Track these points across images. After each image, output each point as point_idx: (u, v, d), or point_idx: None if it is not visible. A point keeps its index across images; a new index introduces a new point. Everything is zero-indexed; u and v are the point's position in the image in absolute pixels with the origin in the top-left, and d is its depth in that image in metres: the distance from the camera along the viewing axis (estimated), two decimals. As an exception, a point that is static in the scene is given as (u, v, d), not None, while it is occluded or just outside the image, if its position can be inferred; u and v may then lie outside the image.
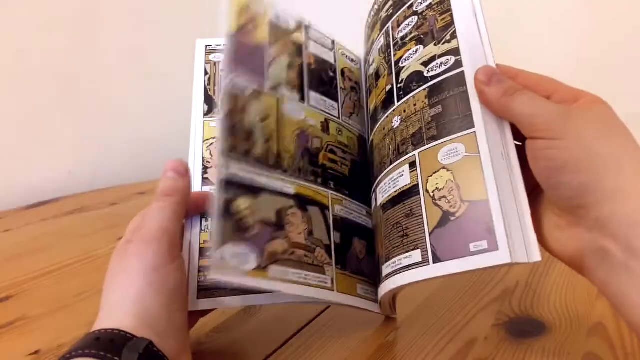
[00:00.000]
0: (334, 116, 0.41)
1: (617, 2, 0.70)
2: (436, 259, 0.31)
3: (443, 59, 0.35)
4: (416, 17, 0.38)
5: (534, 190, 0.31)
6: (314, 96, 0.40)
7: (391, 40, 0.40)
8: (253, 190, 0.32)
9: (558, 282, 0.47)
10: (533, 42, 0.73)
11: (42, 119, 0.82)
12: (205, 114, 0.42)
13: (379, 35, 0.43)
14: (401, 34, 0.39)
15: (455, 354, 0.37)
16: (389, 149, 0.38)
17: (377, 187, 0.39)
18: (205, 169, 0.40)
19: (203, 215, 0.38)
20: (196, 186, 0.39)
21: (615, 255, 0.26)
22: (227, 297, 0.35)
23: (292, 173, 0.36)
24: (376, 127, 0.41)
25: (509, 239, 0.28)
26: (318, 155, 0.39)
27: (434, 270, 0.31)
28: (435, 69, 0.35)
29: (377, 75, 0.41)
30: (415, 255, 0.33)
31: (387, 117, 0.39)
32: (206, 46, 0.46)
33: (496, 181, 0.30)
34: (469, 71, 0.33)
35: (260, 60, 0.37)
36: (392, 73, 0.39)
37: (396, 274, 0.34)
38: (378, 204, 0.38)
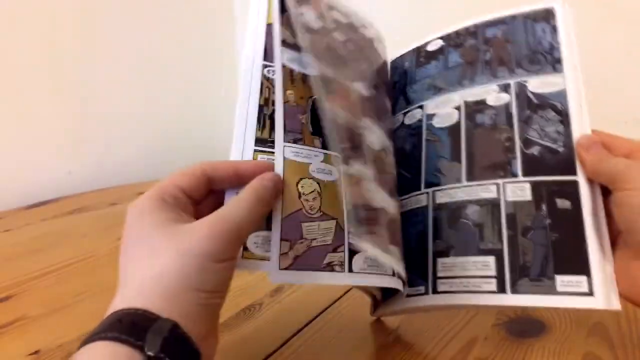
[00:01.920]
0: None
1: (618, 3, 0.70)
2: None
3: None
4: None
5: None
6: None
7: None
8: None
9: (558, 282, 0.47)
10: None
11: (42, 118, 0.82)
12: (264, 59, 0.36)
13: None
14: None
15: (455, 354, 0.37)
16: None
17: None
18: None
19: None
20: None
21: None
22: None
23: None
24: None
25: (603, 285, 0.32)
26: None
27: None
28: None
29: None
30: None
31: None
32: None
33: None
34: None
35: None
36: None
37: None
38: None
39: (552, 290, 0.32)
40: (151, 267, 0.27)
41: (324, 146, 0.35)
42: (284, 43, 0.36)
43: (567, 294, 0.32)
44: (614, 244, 0.34)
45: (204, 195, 0.32)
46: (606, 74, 0.70)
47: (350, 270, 0.33)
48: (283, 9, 0.38)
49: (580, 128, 0.36)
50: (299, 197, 0.33)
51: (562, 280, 0.33)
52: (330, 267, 0.32)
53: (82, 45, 0.85)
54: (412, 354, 0.38)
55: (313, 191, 0.33)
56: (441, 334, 0.40)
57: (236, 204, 0.30)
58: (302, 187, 0.33)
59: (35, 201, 0.78)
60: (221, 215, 0.29)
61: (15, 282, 0.51)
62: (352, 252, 0.33)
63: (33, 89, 0.80)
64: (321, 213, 0.33)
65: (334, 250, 0.33)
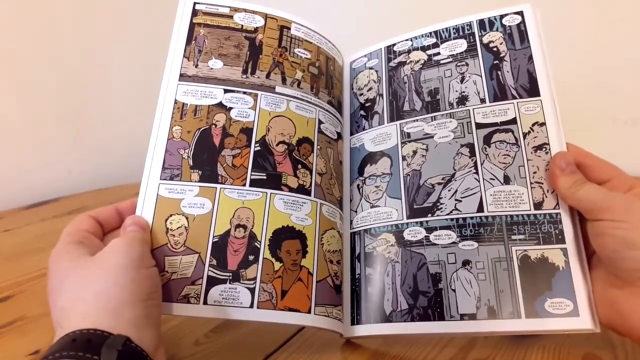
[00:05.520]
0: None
1: (619, 4, 0.70)
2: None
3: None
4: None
5: None
6: None
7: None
8: None
9: (558, 282, 0.47)
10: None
11: (42, 118, 0.82)
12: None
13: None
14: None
15: (454, 354, 0.37)
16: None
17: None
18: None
19: None
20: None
21: None
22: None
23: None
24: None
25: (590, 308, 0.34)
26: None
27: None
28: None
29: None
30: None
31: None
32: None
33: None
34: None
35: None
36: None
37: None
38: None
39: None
40: (87, 293, 0.29)
41: (202, 179, 0.37)
42: (182, 77, 0.40)
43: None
44: (588, 264, 0.35)
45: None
46: (606, 74, 0.70)
47: (205, 302, 0.34)
48: (190, 38, 0.41)
49: (557, 143, 0.37)
50: (166, 232, 0.36)
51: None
52: (185, 299, 0.34)
53: (83, 44, 0.85)
54: (412, 353, 0.38)
55: (180, 227, 0.36)
56: (441, 334, 0.40)
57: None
58: (170, 223, 0.36)
59: (35, 201, 0.78)
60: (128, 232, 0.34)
61: (15, 282, 0.51)
62: (211, 284, 0.35)
63: (33, 89, 0.80)
64: (185, 248, 0.36)
65: (192, 283, 0.35)
